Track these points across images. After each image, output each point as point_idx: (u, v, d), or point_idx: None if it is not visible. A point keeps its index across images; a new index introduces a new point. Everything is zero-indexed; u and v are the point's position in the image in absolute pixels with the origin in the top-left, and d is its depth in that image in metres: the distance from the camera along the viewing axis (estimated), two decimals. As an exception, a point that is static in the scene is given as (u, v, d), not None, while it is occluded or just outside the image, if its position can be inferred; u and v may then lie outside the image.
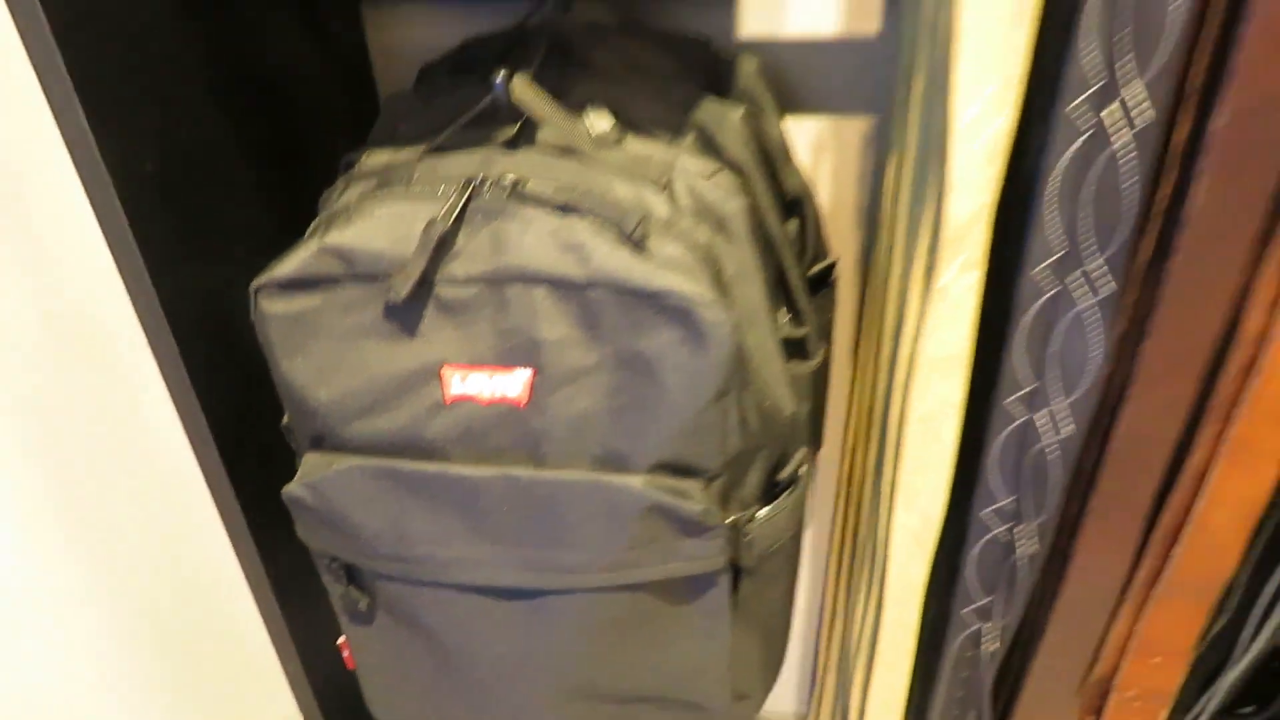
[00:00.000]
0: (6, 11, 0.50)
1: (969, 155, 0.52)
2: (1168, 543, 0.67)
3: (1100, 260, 0.55)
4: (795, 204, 0.72)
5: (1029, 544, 0.68)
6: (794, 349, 0.70)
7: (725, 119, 0.63)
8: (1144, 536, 0.68)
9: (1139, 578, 0.70)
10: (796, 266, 0.69)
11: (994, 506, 0.69)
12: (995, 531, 0.70)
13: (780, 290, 0.69)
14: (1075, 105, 0.51)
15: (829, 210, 0.81)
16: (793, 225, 0.74)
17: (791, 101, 0.76)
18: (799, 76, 0.75)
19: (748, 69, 0.70)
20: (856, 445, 0.87)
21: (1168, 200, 0.54)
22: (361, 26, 0.78)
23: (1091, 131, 0.52)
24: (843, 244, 0.81)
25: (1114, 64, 0.49)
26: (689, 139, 0.62)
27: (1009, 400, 0.64)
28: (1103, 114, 0.51)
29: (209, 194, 0.64)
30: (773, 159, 0.69)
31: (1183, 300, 0.55)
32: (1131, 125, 0.50)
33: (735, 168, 0.62)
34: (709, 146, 0.62)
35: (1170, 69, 0.48)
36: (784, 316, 0.70)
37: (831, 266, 0.76)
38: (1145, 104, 0.49)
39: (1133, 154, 0.50)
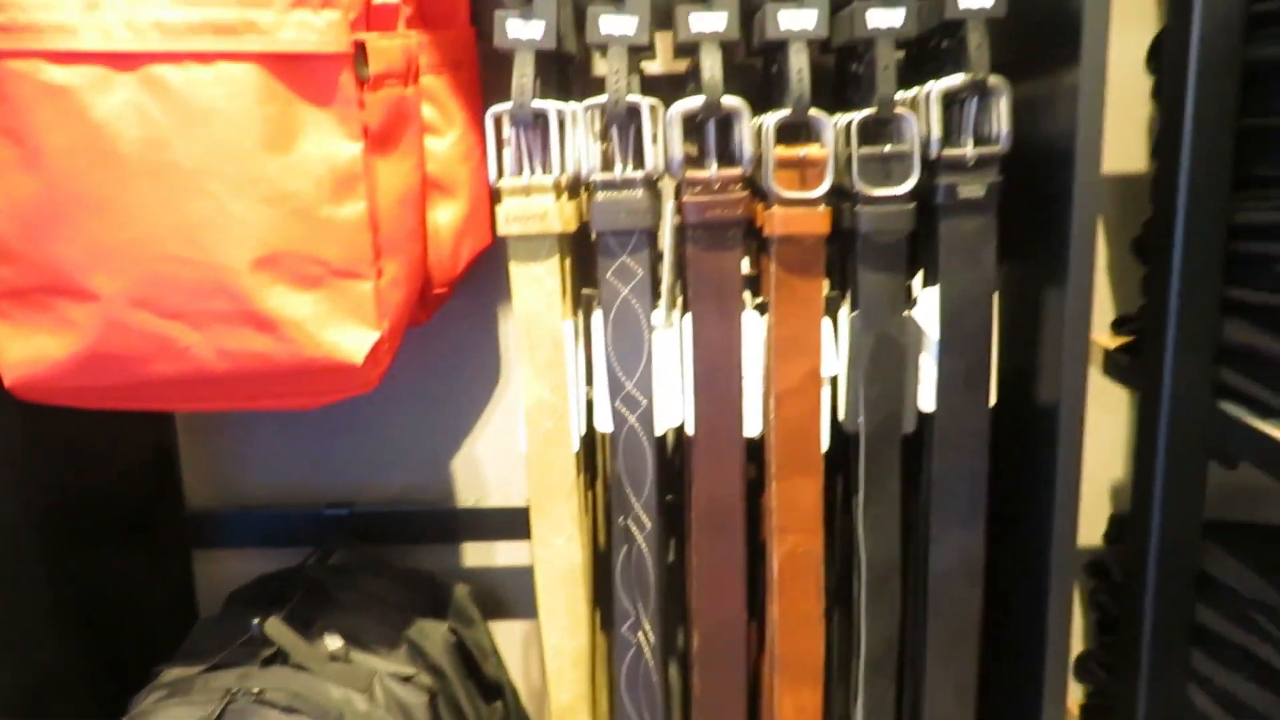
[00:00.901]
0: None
1: (556, 666, 0.81)
2: None
3: (656, 730, 0.82)
4: (498, 687, 0.99)
5: None
6: (490, 803, 0.93)
7: (432, 633, 0.92)
8: None
9: None
10: (492, 736, 0.95)
11: None
12: None
13: (480, 755, 0.93)
14: (624, 629, 0.82)
15: (539, 684, 1.08)
16: (499, 703, 1.00)
17: (503, 611, 1.06)
18: (507, 594, 1.06)
19: (460, 593, 1.00)
20: None
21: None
22: (191, 563, 1.07)
23: (635, 646, 0.81)
24: (551, 715, 1.07)
25: (636, 605, 0.80)
26: (401, 650, 0.90)
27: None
28: (637, 634, 0.81)
29: (56, 703, 0.88)
30: (475, 657, 0.97)
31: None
32: (649, 643, 0.80)
33: (433, 669, 0.89)
34: (416, 654, 0.90)
35: (659, 609, 0.79)
36: (485, 776, 0.94)
37: (532, 734, 1.02)
38: (651, 630, 0.79)
39: (651, 662, 0.80)
